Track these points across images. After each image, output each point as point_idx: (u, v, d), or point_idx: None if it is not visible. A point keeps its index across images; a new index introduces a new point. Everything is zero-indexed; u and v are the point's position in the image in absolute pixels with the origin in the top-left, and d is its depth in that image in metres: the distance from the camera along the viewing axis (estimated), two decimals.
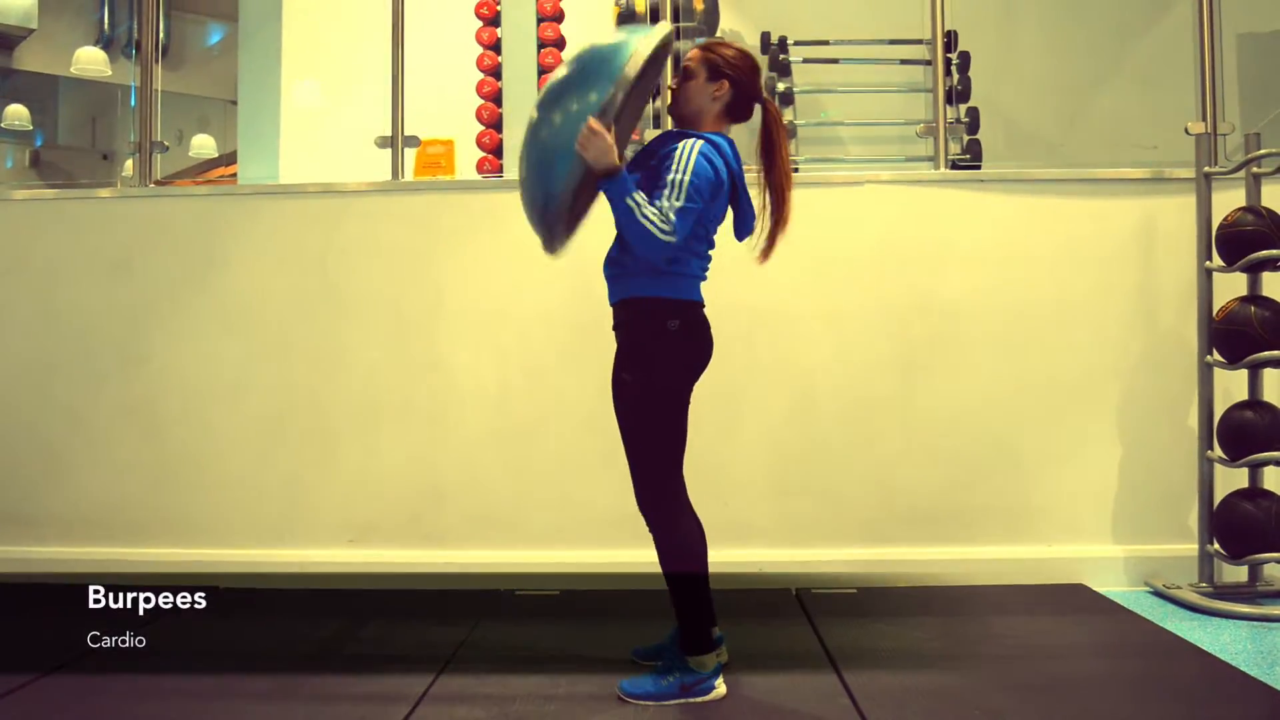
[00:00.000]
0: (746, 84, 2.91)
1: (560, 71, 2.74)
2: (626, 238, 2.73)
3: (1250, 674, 2.99)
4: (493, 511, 4.21)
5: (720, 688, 2.86)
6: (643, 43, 2.67)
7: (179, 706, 2.83)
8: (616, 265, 2.88)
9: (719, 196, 2.81)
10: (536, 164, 2.73)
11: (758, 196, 2.92)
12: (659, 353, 2.83)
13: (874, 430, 4.18)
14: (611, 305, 2.92)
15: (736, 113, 2.94)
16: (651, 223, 2.65)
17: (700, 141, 2.79)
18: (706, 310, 2.93)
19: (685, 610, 2.86)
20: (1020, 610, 3.73)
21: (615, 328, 2.92)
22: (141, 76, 4.66)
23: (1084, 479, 4.16)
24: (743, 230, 2.95)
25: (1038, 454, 4.17)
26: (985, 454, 4.16)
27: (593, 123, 2.60)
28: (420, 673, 3.09)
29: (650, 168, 2.81)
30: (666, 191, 2.70)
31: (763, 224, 2.91)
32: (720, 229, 2.93)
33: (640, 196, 2.68)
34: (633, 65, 2.64)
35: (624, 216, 2.68)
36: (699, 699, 2.82)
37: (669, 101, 3.03)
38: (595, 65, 2.69)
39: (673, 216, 2.67)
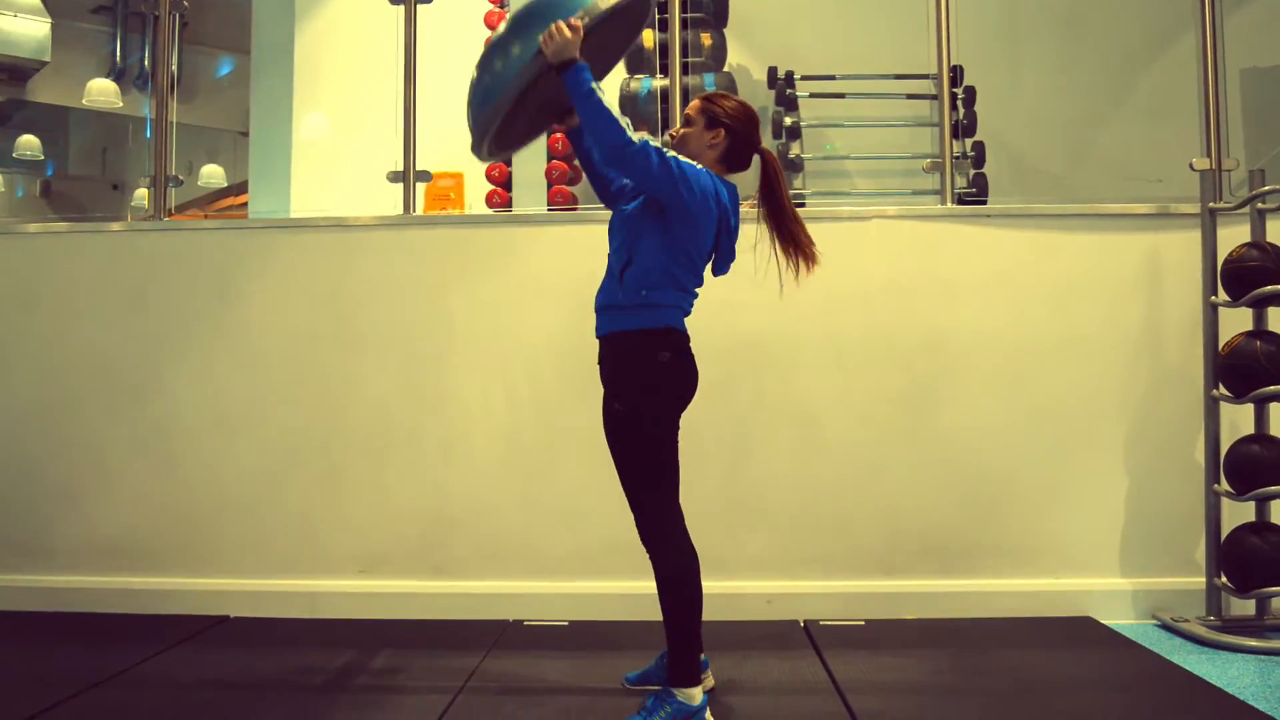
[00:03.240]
0: (743, 134, 2.99)
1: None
2: (589, 130, 2.79)
3: (1258, 708, 2.99)
4: (503, 542, 4.23)
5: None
6: None
7: None
8: (607, 297, 2.94)
9: (708, 216, 2.86)
10: (490, 66, 2.84)
11: (749, 238, 2.97)
12: (650, 382, 2.88)
13: (881, 463, 4.20)
14: (599, 338, 2.97)
15: (733, 161, 3.02)
16: (616, 120, 2.73)
17: (701, 165, 2.88)
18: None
19: (679, 641, 2.86)
20: (1027, 643, 3.74)
21: (601, 361, 2.96)
22: (156, 110, 4.72)
23: (1091, 512, 4.17)
24: (720, 268, 3.03)
25: (1045, 487, 4.18)
26: (992, 487, 4.18)
27: (560, 24, 2.72)
28: (431, 703, 3.11)
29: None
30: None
31: (781, 264, 2.97)
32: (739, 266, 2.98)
33: (601, 90, 2.76)
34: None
35: (584, 102, 2.75)
36: None
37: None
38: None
39: (649, 140, 2.75)
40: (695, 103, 3.03)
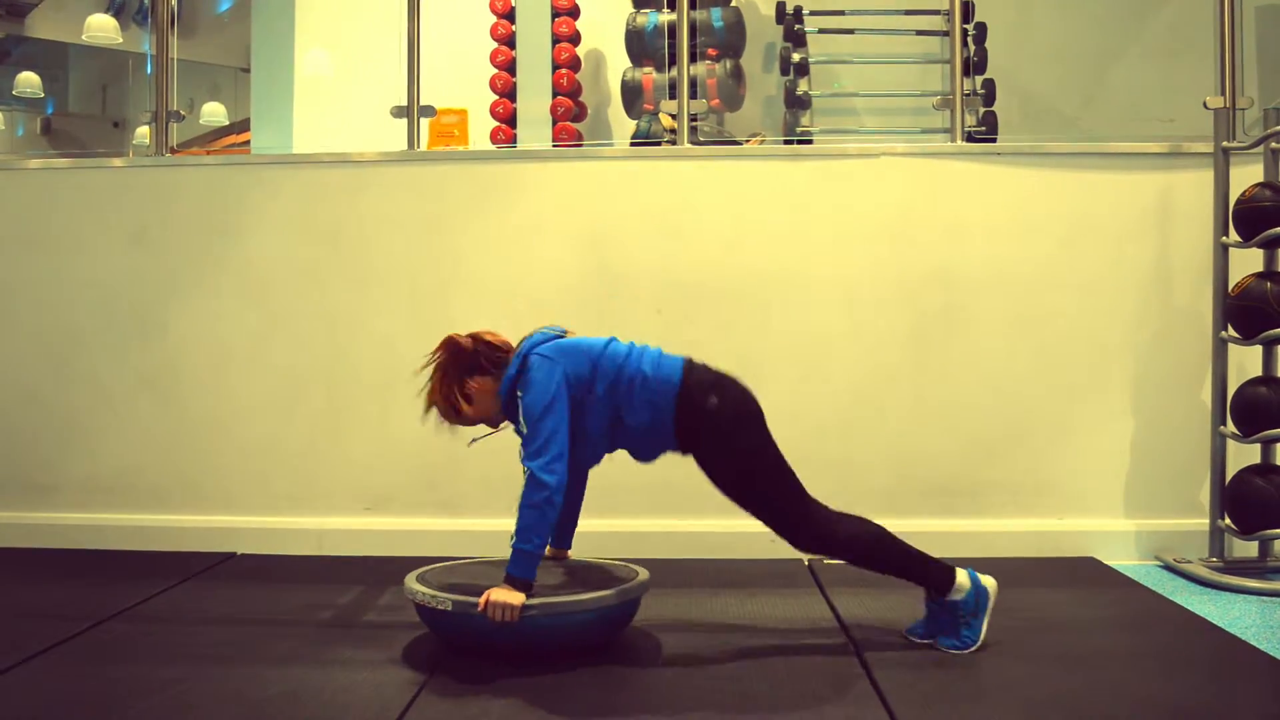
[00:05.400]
0: (469, 365, 3.04)
1: None
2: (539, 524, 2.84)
3: (1259, 648, 3.00)
4: (509, 479, 4.18)
5: (988, 580, 2.98)
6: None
7: (198, 671, 2.85)
8: (638, 447, 3.00)
9: (571, 387, 2.90)
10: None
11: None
12: (725, 423, 2.92)
13: (887, 402, 4.19)
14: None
15: (493, 364, 3.05)
16: (533, 503, 2.82)
17: (523, 385, 2.92)
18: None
19: (908, 574, 2.97)
20: (1031, 582, 3.74)
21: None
22: (158, 45, 4.66)
23: (1096, 453, 4.17)
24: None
25: (1050, 427, 4.18)
26: (998, 427, 4.18)
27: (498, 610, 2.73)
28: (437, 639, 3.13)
29: None
30: (526, 450, 2.87)
31: None
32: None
33: (515, 533, 2.84)
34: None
35: (532, 526, 2.82)
36: (989, 607, 2.96)
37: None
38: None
39: (539, 472, 2.82)
40: (435, 413, 3.08)
